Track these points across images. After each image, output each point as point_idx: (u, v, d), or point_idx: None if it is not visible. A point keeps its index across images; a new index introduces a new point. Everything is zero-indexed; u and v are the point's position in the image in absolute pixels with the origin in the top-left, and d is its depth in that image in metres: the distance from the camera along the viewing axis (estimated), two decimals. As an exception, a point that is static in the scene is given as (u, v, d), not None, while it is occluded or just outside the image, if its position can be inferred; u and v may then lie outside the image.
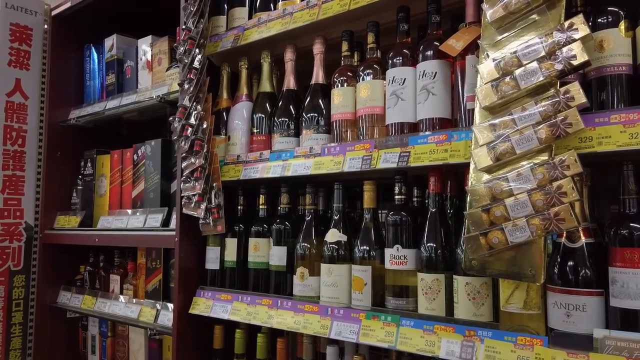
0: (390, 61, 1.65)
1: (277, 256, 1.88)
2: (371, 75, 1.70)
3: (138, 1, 2.77)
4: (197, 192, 2.00)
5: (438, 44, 1.55)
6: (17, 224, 2.81)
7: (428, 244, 1.50)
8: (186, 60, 2.05)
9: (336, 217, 1.76)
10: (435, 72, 1.54)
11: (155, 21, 2.77)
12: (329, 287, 1.69)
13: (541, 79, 1.21)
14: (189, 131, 2.02)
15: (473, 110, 1.42)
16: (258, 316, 1.83)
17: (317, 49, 1.91)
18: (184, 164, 2.04)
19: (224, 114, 2.19)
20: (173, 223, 2.20)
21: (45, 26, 3.02)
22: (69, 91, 3.03)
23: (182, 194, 2.07)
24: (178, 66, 2.36)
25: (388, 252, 1.57)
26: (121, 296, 2.54)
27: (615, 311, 1.18)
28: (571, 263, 1.24)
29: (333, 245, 1.72)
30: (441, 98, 1.53)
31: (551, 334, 1.24)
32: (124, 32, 2.93)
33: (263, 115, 2.04)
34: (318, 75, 1.91)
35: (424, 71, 1.56)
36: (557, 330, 1.24)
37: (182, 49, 2.09)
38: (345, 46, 1.84)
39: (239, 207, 2.11)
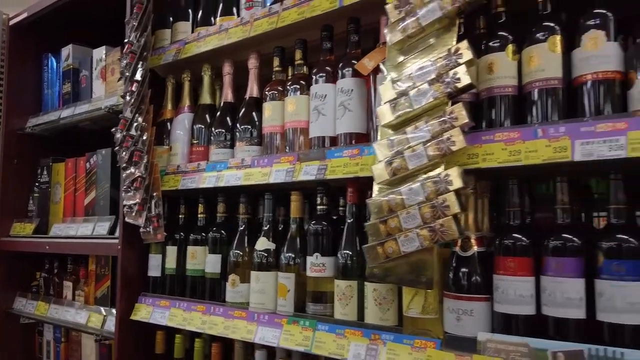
0: (313, 77, 1.73)
1: (211, 264, 1.95)
2: (298, 91, 1.78)
3: (95, 11, 2.83)
4: (137, 202, 2.06)
5: (355, 62, 1.63)
6: (-29, 231, 2.84)
7: (344, 252, 1.58)
8: (127, 73, 2.12)
9: (266, 226, 1.84)
10: (352, 89, 1.62)
11: (112, 31, 2.82)
12: (256, 293, 1.77)
13: (431, 100, 1.29)
14: (129, 142, 2.08)
15: (383, 125, 1.51)
16: (192, 322, 1.89)
17: (252, 63, 1.99)
18: (124, 174, 2.10)
19: (168, 124, 2.26)
20: (118, 231, 2.26)
21: (4, 36, 3.05)
22: (26, 99, 3.07)
23: (124, 203, 2.13)
24: (129, 77, 2.42)
25: (309, 259, 1.65)
26: (73, 302, 2.59)
27: (498, 316, 1.27)
28: (462, 270, 1.33)
29: (262, 253, 1.79)
30: (357, 114, 1.62)
31: (444, 337, 1.33)
32: (83, 41, 2.98)
33: (202, 127, 2.11)
34: (252, 89, 1.99)
35: (342, 88, 1.64)
36: (449, 334, 1.33)
37: (124, 62, 2.16)
38: (276, 62, 1.92)
39: (181, 216, 2.17)
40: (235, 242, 1.90)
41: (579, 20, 1.23)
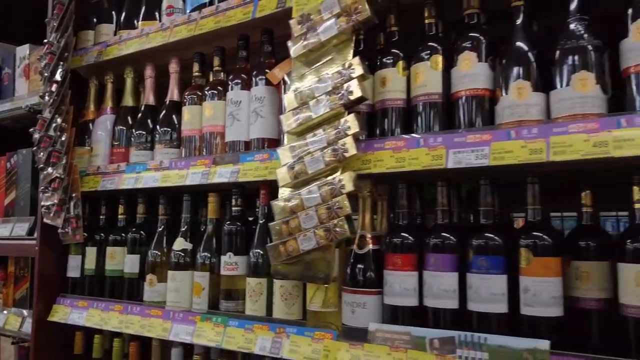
0: (230, 84, 1.81)
1: (130, 264, 1.98)
2: (215, 96, 1.85)
3: (19, 9, 2.77)
4: (55, 202, 2.05)
5: (268, 71, 1.72)
6: None
7: (255, 251, 1.67)
8: (46, 74, 2.10)
9: (184, 227, 1.89)
10: (264, 97, 1.71)
11: (38, 29, 2.76)
12: (173, 292, 1.82)
13: (328, 110, 1.40)
14: (47, 143, 2.07)
15: (292, 132, 1.61)
16: (110, 321, 1.92)
17: (173, 68, 2.04)
18: (42, 175, 2.09)
19: (90, 125, 2.26)
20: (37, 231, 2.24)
21: None
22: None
23: (42, 204, 2.12)
24: (51, 76, 2.39)
25: (223, 259, 1.72)
26: (-11, 305, 2.52)
27: (387, 308, 1.39)
28: (358, 267, 1.45)
29: (179, 253, 1.85)
30: (268, 120, 1.71)
31: (341, 328, 1.44)
32: (7, 38, 2.90)
33: (124, 128, 2.14)
34: (173, 93, 2.04)
35: (255, 95, 1.73)
36: (345, 325, 1.44)
37: (43, 62, 2.14)
38: (196, 67, 1.98)
39: (101, 217, 2.19)
40: (154, 242, 1.94)
41: (457, 41, 1.38)
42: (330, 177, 1.40)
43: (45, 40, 2.18)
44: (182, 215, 1.91)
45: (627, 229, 1.18)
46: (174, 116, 2.00)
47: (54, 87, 2.11)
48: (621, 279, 1.15)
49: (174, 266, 1.84)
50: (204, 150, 1.85)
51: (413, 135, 1.37)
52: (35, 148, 2.11)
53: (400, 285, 1.36)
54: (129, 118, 2.15)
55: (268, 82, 1.72)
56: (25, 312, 2.32)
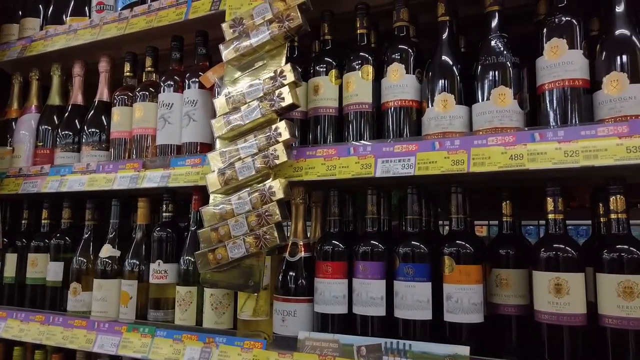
0: (162, 85, 1.75)
1: (53, 272, 1.88)
2: (147, 98, 1.79)
3: None
4: (-30, 207, 1.92)
5: (201, 74, 1.68)
6: None
7: (186, 258, 1.62)
8: (-39, 68, 1.96)
9: (111, 234, 1.82)
10: (197, 100, 1.67)
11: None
12: (99, 301, 1.74)
13: (259, 116, 1.39)
14: (-38, 143, 1.93)
15: (222, 137, 1.58)
16: (29, 333, 1.81)
17: (102, 67, 1.95)
18: (-44, 177, 1.95)
19: (13, 124, 2.13)
20: (-48, 238, 2.08)
21: None
22: None
23: (-44, 208, 1.97)
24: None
25: (152, 266, 1.67)
26: None
27: (317, 316, 1.39)
28: (289, 274, 1.44)
29: (106, 260, 1.77)
30: (201, 124, 1.67)
31: (271, 337, 1.43)
32: None
33: (49, 128, 2.02)
34: (102, 93, 1.95)
35: (188, 98, 1.68)
36: (276, 334, 1.43)
37: (-41, 55, 2.00)
38: (127, 67, 1.91)
39: (23, 222, 2.06)
40: (79, 249, 1.85)
41: (387, 53, 1.40)
42: (260, 184, 1.38)
43: (-38, 32, 2.03)
44: (110, 221, 1.83)
45: (541, 238, 1.24)
46: (103, 117, 1.91)
47: (-30, 83, 1.96)
48: (535, 286, 1.20)
49: (100, 274, 1.76)
50: (134, 153, 1.78)
51: (344, 143, 1.38)
52: (-52, 148, 1.96)
53: (330, 293, 1.36)
54: (55, 117, 2.04)
55: (201, 85, 1.68)
56: (-64, 324, 2.14)
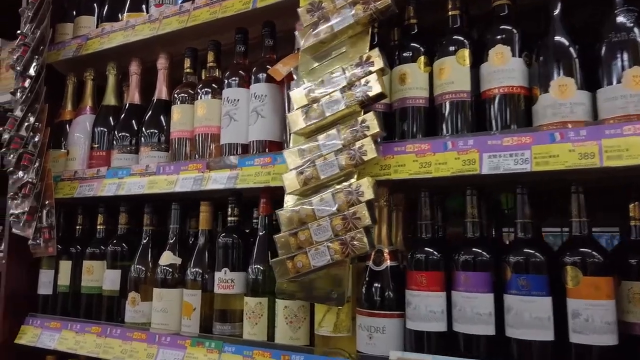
0: (226, 81, 1.63)
1: (110, 280, 1.77)
2: (209, 94, 1.67)
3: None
4: (25, 210, 1.83)
5: (269, 67, 1.55)
6: None
7: (255, 267, 1.48)
8: (19, 68, 1.89)
9: (172, 239, 1.70)
10: (265, 95, 1.54)
11: (8, 23, 2.55)
12: (159, 312, 1.62)
13: (343, 107, 1.24)
14: (18, 144, 1.86)
15: (299, 133, 1.44)
16: (85, 345, 1.70)
17: (161, 63, 1.85)
18: (11, 179, 1.87)
19: (67, 126, 2.05)
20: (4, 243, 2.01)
21: None
22: None
23: (10, 212, 1.89)
24: (24, 73, 2.19)
25: (217, 275, 1.54)
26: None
27: (410, 333, 1.23)
28: (375, 286, 1.28)
29: (166, 269, 1.65)
30: (270, 120, 1.54)
31: (356, 356, 1.27)
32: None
33: (105, 130, 1.94)
34: (161, 91, 1.85)
35: (255, 93, 1.56)
36: (361, 353, 1.27)
37: (16, 55, 1.93)
38: (187, 63, 1.80)
39: (77, 227, 1.97)
40: (138, 256, 1.74)
41: (486, 35, 1.24)
42: (345, 184, 1.23)
43: (19, 32, 1.97)
44: (170, 226, 1.71)
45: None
46: (162, 116, 1.81)
47: (27, 83, 1.90)
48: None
49: (160, 283, 1.64)
50: (197, 154, 1.66)
51: (439, 137, 1.22)
52: (4, 149, 1.89)
53: (427, 307, 1.20)
54: (110, 118, 1.95)
55: (269, 79, 1.55)
56: (-12, 333, 2.07)
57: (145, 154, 1.77)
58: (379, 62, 1.22)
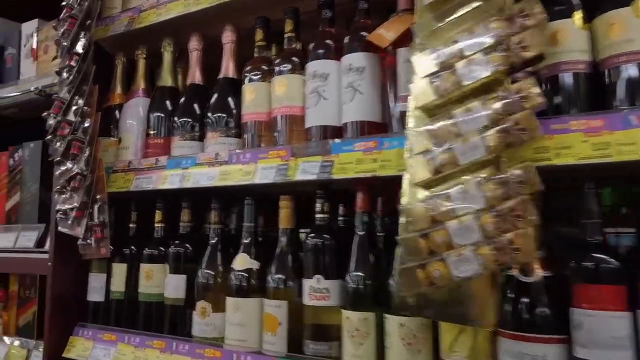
0: (311, 53, 1.38)
1: (173, 286, 1.53)
2: (289, 69, 1.42)
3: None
4: (75, 206, 1.61)
5: (365, 33, 1.29)
6: None
7: (355, 275, 1.23)
8: (65, 43, 1.66)
9: (246, 239, 1.45)
10: (364, 67, 1.28)
11: (45, 2, 2.33)
12: (235, 326, 1.37)
13: (487, 74, 0.97)
14: (65, 130, 1.63)
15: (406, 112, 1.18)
16: (147, 362, 1.47)
17: (227, 37, 1.60)
18: (58, 171, 1.65)
19: (117, 111, 1.82)
20: (48, 243, 1.79)
21: None
22: None
23: (57, 208, 1.67)
24: (66, 54, 1.97)
25: (307, 283, 1.28)
26: (-14, 332, 2.07)
27: (579, 362, 0.96)
28: (525, 301, 1.01)
29: (241, 274, 1.40)
30: (370, 97, 1.28)
31: (501, 389, 1.01)
32: (8, 14, 2.46)
33: (162, 114, 1.70)
34: (228, 68, 1.60)
35: (351, 65, 1.29)
36: (508, 385, 1.00)
37: (61, 29, 1.70)
38: (259, 34, 1.55)
39: (131, 225, 1.74)
40: (206, 259, 1.49)
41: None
42: (489, 171, 0.96)
43: (64, 3, 1.74)
44: (244, 224, 1.46)
45: None
46: (230, 97, 1.56)
47: (74, 61, 1.66)
48: None
49: (235, 291, 1.40)
50: (276, 140, 1.41)
51: (616, 111, 0.94)
52: (49, 137, 1.67)
53: (606, 330, 0.92)
54: (167, 101, 1.71)
55: (368, 48, 1.29)
56: (31, 343, 1.86)
57: (213, 141, 1.52)
58: (538, 15, 0.95)
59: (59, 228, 1.68)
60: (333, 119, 1.33)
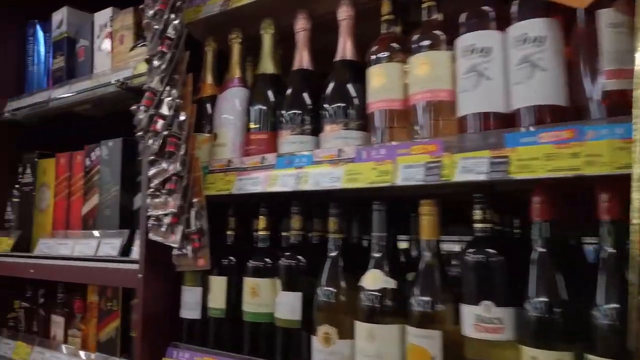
0: (464, 23, 1.12)
1: (287, 306, 1.31)
2: (432, 45, 1.16)
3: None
4: (170, 211, 1.41)
5: (542, -5, 1.02)
6: None
7: (537, 301, 0.96)
8: (157, 27, 1.47)
9: (378, 253, 1.20)
10: (544, 36, 1.01)
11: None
12: (370, 358, 1.13)
13: None
14: (159, 124, 1.44)
15: (615, 91, 0.91)
16: (259, 396, 1.25)
17: (344, 12, 1.36)
18: (152, 171, 1.45)
19: (208, 104, 1.62)
20: (136, 252, 1.61)
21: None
22: (6, 78, 2.39)
23: (149, 213, 1.48)
24: (146, 44, 1.79)
25: (470, 310, 1.03)
26: (64, 346, 1.91)
27: None
28: None
29: (375, 294, 1.16)
30: (554, 75, 1.00)
31: None
32: (78, 5, 2.32)
33: (264, 107, 1.48)
34: (345, 49, 1.36)
35: (525, 35, 1.03)
36: None
37: (151, 11, 1.51)
38: (386, 7, 1.30)
39: (229, 233, 1.53)
40: (326, 274, 1.26)
41: None
42: None
43: (153, -18, 1.55)
44: (373, 234, 1.22)
45: None
46: (350, 84, 1.32)
47: (166, 46, 1.47)
48: None
49: (368, 315, 1.15)
50: (417, 132, 1.16)
51: None
52: (140, 132, 1.47)
53: None
54: (271, 90, 1.49)
55: (545, 12, 1.02)
56: (116, 361, 1.69)
57: (333, 135, 1.29)
58: None
59: (150, 236, 1.49)
60: (498, 104, 1.06)
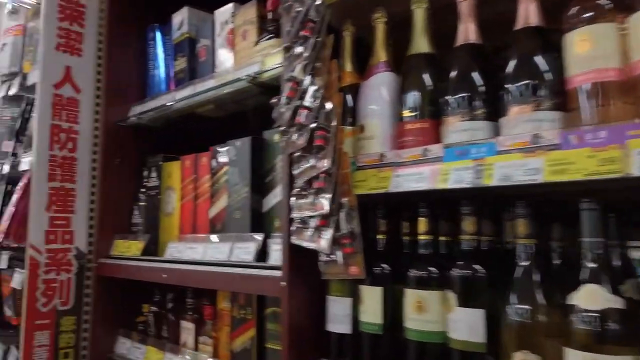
0: None
1: (465, 324, 1.09)
2: (664, -4, 0.90)
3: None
4: (319, 213, 1.25)
5: None
6: (65, 250, 2.20)
7: None
8: (300, 8, 1.33)
9: (592, 263, 0.96)
10: None
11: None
12: (594, 397, 0.89)
13: None
14: (303, 116, 1.29)
15: None
16: None
17: (524, -30, 1.13)
18: (298, 169, 1.31)
19: (349, 94, 1.45)
20: (274, 257, 1.48)
21: (102, 4, 2.42)
22: (129, 83, 2.42)
23: (293, 215, 1.34)
24: (271, 37, 1.69)
25: None
26: (196, 353, 1.84)
27: None
28: None
29: (594, 316, 0.91)
30: None
31: None
32: (197, 2, 2.29)
33: (419, 92, 1.28)
34: (528, 14, 1.12)
35: None
36: None
37: (290, -5, 1.38)
38: (587, -43, 1.05)
39: (379, 237, 1.35)
40: (517, 288, 1.03)
41: None
42: None
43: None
44: (585, 240, 0.97)
45: None
46: (538, 55, 1.08)
47: (308, 30, 1.32)
48: None
49: (585, 341, 0.91)
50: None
51: None
52: (283, 127, 1.34)
53: None
54: (428, 72, 1.29)
55: None
56: (253, 374, 1.57)
57: (524, 117, 1.05)
58: None
59: (293, 239, 1.35)
60: None
